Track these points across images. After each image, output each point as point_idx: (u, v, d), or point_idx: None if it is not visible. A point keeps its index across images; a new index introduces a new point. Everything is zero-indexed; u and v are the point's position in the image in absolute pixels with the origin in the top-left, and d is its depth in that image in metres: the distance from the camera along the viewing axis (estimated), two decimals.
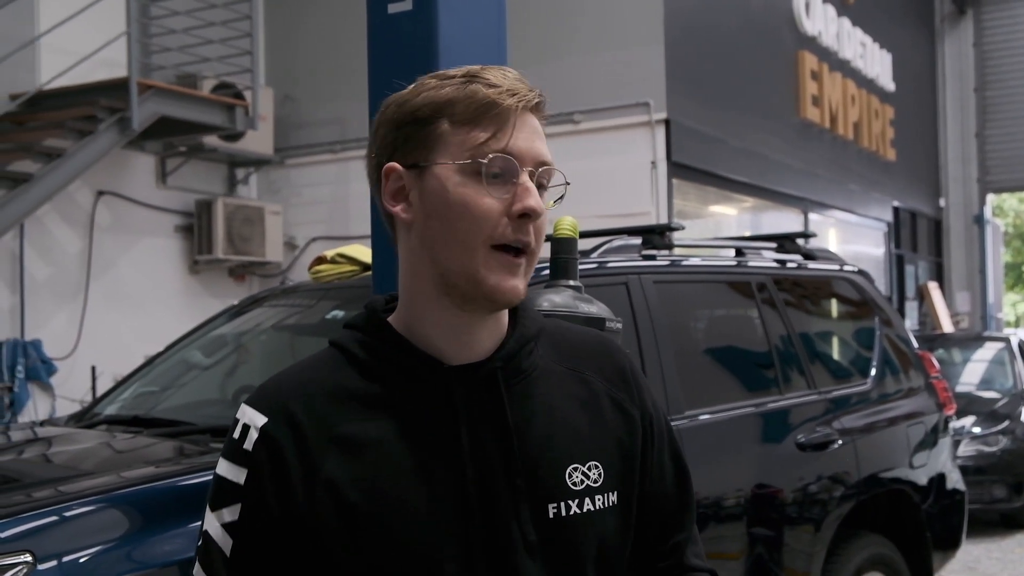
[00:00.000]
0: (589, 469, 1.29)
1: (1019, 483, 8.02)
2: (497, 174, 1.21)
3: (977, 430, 8.09)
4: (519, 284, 1.23)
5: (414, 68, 2.25)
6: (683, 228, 3.96)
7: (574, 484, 1.28)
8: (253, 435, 1.21)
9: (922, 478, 4.52)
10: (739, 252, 4.40)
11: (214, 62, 8.12)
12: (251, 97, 8.19)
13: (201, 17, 7.93)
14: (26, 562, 2.13)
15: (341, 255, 3.91)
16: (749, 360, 4.16)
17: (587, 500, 1.28)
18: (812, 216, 11.39)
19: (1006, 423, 8.24)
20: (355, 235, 9.36)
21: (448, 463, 1.22)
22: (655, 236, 3.86)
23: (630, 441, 1.36)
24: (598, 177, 7.57)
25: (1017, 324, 26.47)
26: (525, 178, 1.22)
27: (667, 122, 8.29)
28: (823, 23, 11.81)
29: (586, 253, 3.53)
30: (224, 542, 1.20)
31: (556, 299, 2.20)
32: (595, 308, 2.22)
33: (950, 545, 4.71)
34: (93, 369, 7.81)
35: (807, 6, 11.35)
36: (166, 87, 7.75)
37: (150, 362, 4.02)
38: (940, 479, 4.65)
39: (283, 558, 1.20)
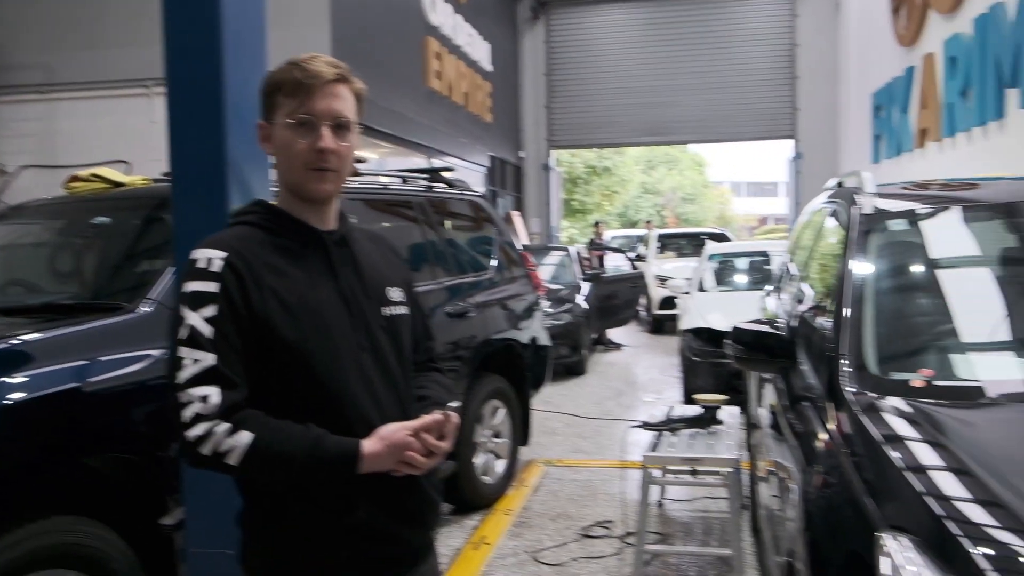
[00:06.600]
0: (395, 291, 1.66)
1: (576, 344, 8.98)
2: (302, 124, 1.50)
3: (550, 309, 8.84)
4: (327, 186, 1.54)
5: (201, 18, 2.30)
6: (366, 161, 4.14)
7: (392, 298, 1.64)
8: (218, 263, 1.45)
9: (524, 337, 5.11)
10: (404, 180, 4.66)
11: None
12: None
13: None
14: None
15: (95, 175, 3.72)
16: (415, 256, 4.39)
17: (398, 307, 1.64)
18: (434, 160, 11.77)
19: (568, 305, 9.08)
20: (62, 163, 8.47)
21: (329, 282, 1.55)
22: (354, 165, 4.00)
23: (408, 282, 1.74)
24: None
25: (570, 242, 29.05)
26: (324, 129, 1.50)
27: None
28: (443, 17, 12.17)
29: None
30: (206, 329, 1.41)
31: None
32: None
33: (539, 384, 5.36)
34: None
35: (432, 3, 11.64)
36: None
37: None
38: (535, 338, 5.27)
39: (244, 337, 1.44)
